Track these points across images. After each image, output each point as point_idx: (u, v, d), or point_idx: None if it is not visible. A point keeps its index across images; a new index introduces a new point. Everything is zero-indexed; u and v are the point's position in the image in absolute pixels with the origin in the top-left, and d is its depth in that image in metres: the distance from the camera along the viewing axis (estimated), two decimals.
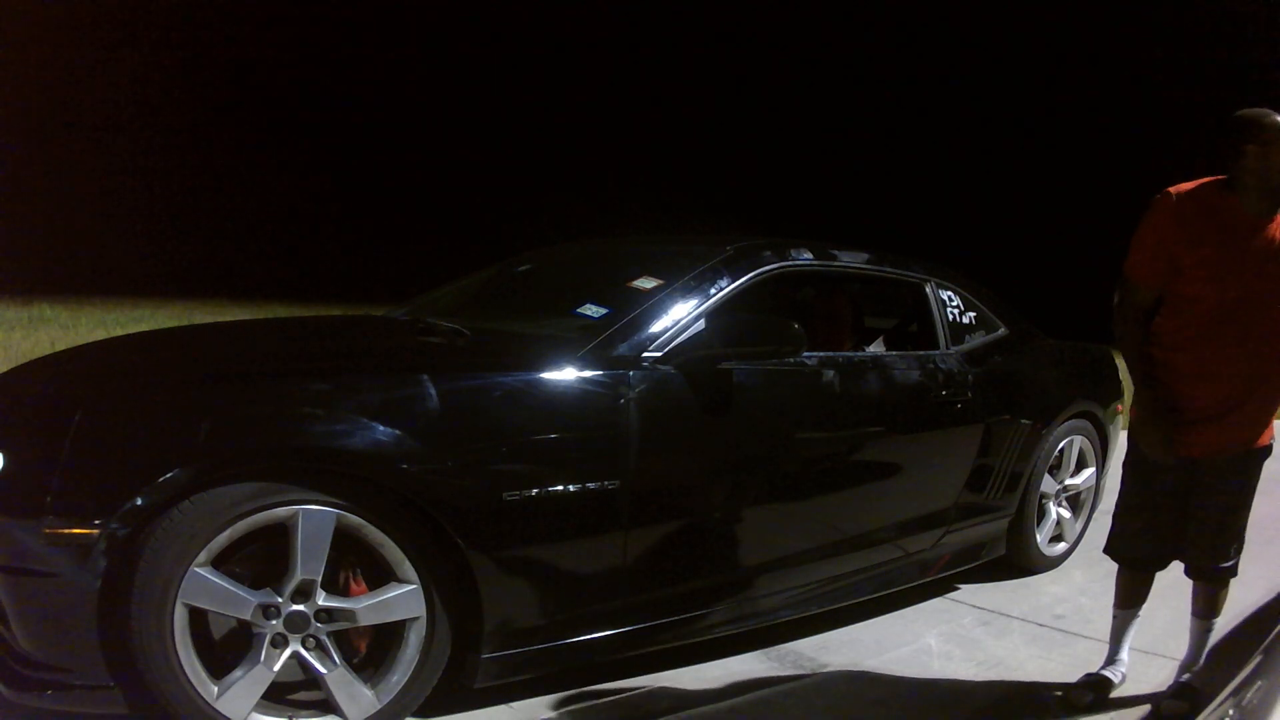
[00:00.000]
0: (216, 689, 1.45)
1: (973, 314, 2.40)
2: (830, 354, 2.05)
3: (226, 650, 1.52)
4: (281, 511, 1.44)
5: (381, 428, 1.47)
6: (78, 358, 2.04)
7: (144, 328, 7.08)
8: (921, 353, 2.26)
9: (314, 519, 1.45)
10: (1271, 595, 2.79)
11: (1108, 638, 2.39)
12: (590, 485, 1.61)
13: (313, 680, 1.54)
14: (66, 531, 1.38)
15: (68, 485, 1.40)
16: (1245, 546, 2.13)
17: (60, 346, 5.61)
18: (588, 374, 1.67)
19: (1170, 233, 1.68)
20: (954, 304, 2.34)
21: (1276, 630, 1.39)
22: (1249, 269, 1.65)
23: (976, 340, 2.39)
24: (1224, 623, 2.57)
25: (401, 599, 1.52)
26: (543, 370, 1.65)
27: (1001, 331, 2.50)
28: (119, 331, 6.68)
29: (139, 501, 1.37)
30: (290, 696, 1.58)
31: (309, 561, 1.46)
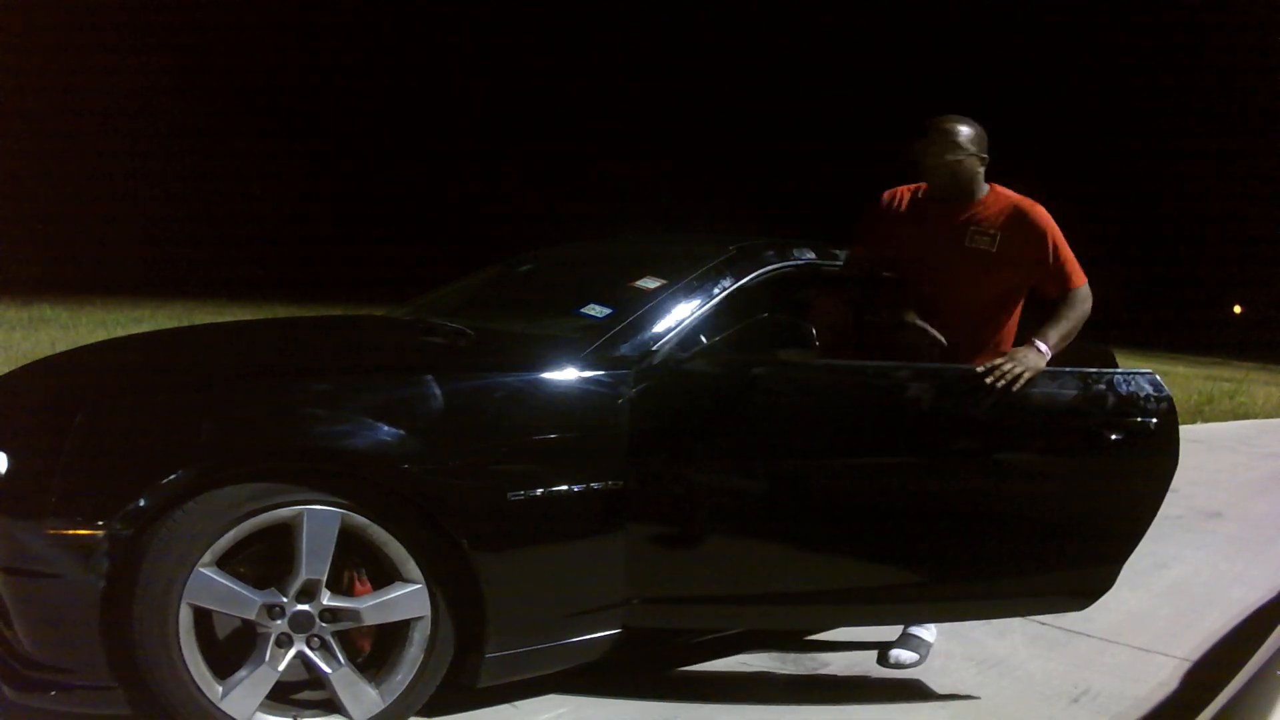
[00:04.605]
0: (221, 689, 1.45)
1: None
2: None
3: (229, 650, 1.51)
4: (286, 512, 1.44)
5: (386, 428, 1.47)
6: (80, 358, 2.03)
7: (144, 328, 7.09)
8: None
9: (319, 519, 1.45)
10: (1272, 595, 2.80)
11: (1107, 636, 2.41)
12: (594, 485, 1.61)
13: (316, 680, 1.53)
14: (70, 533, 1.38)
15: (71, 486, 1.40)
16: (1245, 545, 2.26)
17: (61, 347, 5.61)
18: (591, 374, 1.67)
19: None
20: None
21: (1277, 630, 1.39)
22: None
23: None
24: (1224, 622, 2.59)
25: (406, 598, 1.53)
26: (546, 370, 1.65)
27: None
28: (119, 332, 6.68)
29: (142, 502, 1.37)
30: (293, 696, 1.58)
31: (314, 561, 1.46)
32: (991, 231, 2.01)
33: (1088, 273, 2.09)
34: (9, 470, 1.44)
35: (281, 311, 8.71)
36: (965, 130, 2.00)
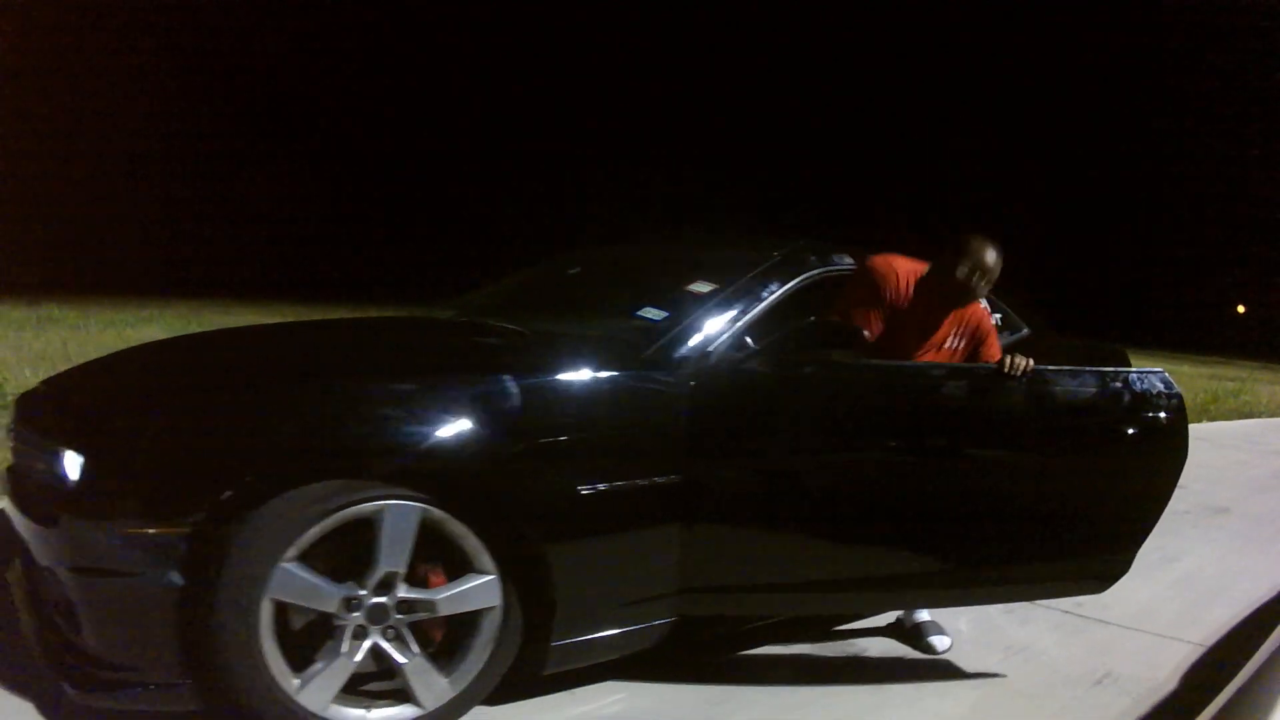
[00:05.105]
0: (298, 682, 1.48)
1: (998, 315, 2.50)
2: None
3: (301, 643, 1.53)
4: (368, 507, 1.48)
5: (465, 425, 1.54)
6: (139, 358, 2.07)
7: (153, 327, 7.07)
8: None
9: (400, 514, 1.50)
10: (1273, 594, 2.87)
11: (1127, 623, 2.51)
12: (656, 479, 1.68)
13: (384, 671, 1.57)
14: (151, 531, 1.39)
15: (152, 486, 1.43)
16: (1247, 542, 2.33)
17: (72, 347, 5.60)
18: (652, 374, 1.74)
19: None
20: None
21: (1277, 630, 1.46)
22: None
23: (1002, 340, 2.47)
24: (1234, 613, 2.69)
25: (479, 589, 1.58)
26: (610, 370, 1.72)
27: (1025, 331, 2.60)
28: (130, 331, 6.67)
29: (226, 500, 1.40)
30: (361, 688, 1.60)
31: (394, 555, 1.51)
32: (964, 335, 2.23)
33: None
34: (84, 470, 1.46)
35: (287, 311, 8.70)
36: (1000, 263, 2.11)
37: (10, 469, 1.81)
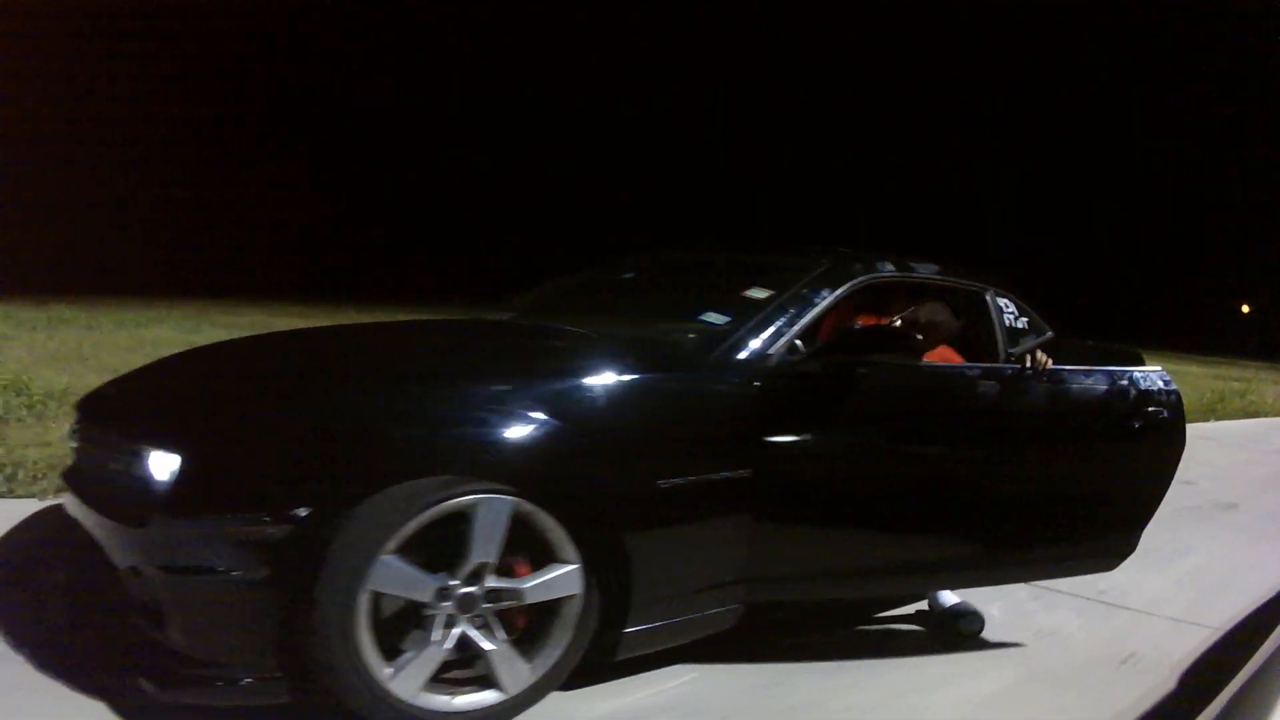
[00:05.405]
0: (391, 670, 1.53)
1: (1025, 319, 2.62)
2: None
3: (390, 632, 1.57)
4: (464, 500, 1.56)
5: (555, 423, 1.63)
6: (215, 359, 2.13)
7: (164, 327, 7.07)
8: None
9: (494, 507, 1.58)
10: (1272, 594, 2.97)
11: (1146, 609, 2.65)
12: (726, 474, 1.78)
13: (464, 659, 1.63)
14: (252, 529, 1.43)
15: (255, 483, 1.47)
16: (1255, 537, 2.63)
17: (86, 347, 5.61)
18: (721, 375, 1.85)
19: None
20: (1009, 310, 2.54)
21: (1277, 630, 1.52)
22: None
23: (1028, 343, 2.60)
24: (1238, 607, 2.81)
25: (563, 578, 1.67)
26: (683, 371, 1.83)
27: (1049, 334, 2.74)
28: (142, 332, 6.67)
29: (328, 496, 1.45)
30: (443, 675, 1.65)
31: (486, 546, 1.59)
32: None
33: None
34: (181, 470, 1.49)
35: (292, 311, 8.71)
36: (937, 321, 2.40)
37: (72, 470, 1.85)
